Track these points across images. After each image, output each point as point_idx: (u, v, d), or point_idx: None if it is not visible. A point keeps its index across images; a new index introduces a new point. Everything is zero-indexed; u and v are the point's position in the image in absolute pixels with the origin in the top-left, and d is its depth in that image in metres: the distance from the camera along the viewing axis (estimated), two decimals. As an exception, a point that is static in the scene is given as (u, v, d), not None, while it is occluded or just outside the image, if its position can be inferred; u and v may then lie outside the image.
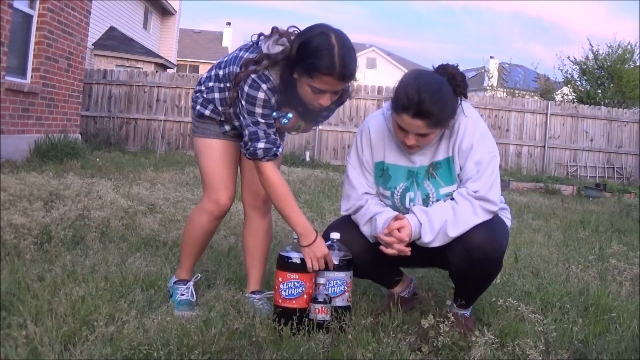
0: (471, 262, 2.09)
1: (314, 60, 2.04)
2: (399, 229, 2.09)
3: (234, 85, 2.21)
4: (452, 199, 2.15)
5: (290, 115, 2.29)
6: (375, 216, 2.22)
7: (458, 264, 2.14)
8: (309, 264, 2.17)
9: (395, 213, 2.20)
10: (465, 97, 2.13)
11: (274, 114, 2.24)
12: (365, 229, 2.27)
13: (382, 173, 2.28)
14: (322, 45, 2.03)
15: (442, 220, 2.08)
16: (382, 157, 2.27)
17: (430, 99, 1.98)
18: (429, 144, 2.15)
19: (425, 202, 2.21)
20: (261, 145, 2.20)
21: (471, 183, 2.12)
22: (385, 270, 2.41)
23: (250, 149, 2.21)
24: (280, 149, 2.25)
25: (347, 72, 2.07)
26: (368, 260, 2.28)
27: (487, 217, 2.10)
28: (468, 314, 2.36)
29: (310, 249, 2.18)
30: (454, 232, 2.07)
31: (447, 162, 2.18)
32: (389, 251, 2.11)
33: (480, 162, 2.11)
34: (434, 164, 2.20)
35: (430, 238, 2.09)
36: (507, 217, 2.33)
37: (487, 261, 2.10)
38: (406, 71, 2.24)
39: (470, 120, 2.14)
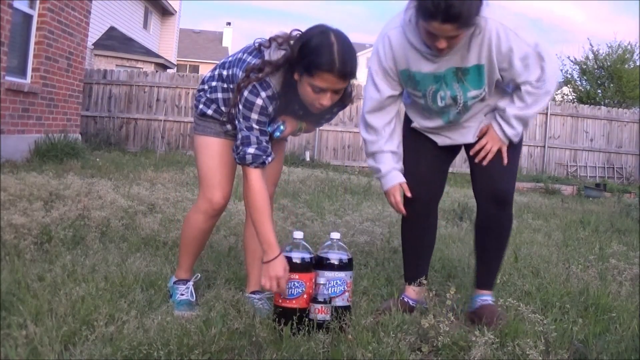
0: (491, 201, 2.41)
1: (314, 58, 2.06)
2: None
3: (236, 91, 2.21)
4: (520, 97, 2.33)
5: (282, 127, 2.31)
6: (379, 166, 2.44)
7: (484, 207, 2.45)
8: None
9: (395, 181, 2.43)
10: None
11: (268, 128, 2.25)
12: (370, 162, 2.50)
13: (408, 79, 2.35)
14: (322, 43, 2.07)
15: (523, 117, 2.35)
16: (406, 66, 2.33)
17: (456, 2, 1.99)
18: (459, 45, 2.18)
19: (454, 101, 2.34)
20: (251, 150, 2.19)
21: (527, 75, 2.26)
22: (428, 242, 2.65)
23: (240, 153, 2.21)
24: (270, 158, 2.24)
25: (346, 69, 2.08)
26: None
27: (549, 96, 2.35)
28: (491, 299, 2.46)
29: (266, 267, 2.17)
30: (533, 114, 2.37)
31: (476, 69, 2.27)
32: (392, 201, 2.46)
33: (526, 56, 2.23)
34: (463, 70, 2.27)
35: (519, 130, 2.38)
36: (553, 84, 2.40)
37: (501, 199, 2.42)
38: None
39: (498, 24, 2.18)
